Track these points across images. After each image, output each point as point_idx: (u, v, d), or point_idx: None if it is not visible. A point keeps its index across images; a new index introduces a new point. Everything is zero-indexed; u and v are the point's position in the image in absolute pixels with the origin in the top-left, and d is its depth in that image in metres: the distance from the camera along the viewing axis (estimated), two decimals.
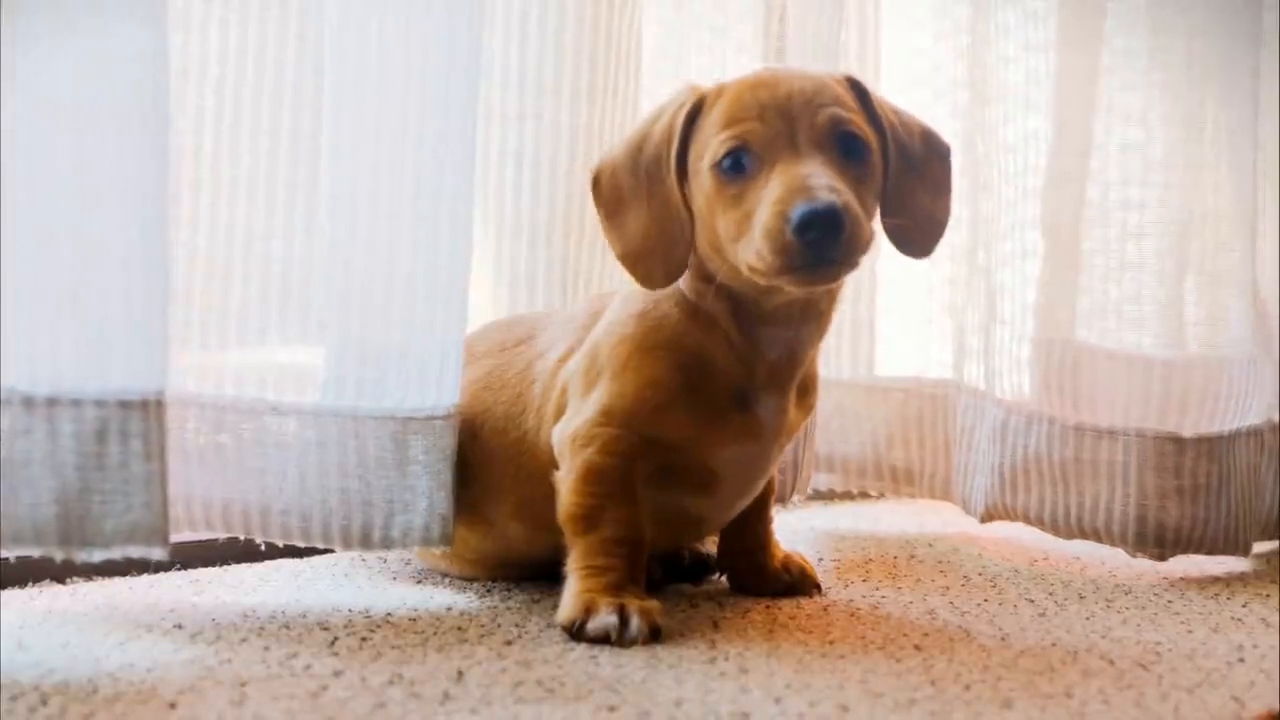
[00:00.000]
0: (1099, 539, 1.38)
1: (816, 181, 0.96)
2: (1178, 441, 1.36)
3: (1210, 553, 1.37)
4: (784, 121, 1.00)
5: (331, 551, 1.26)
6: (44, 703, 0.83)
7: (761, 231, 0.97)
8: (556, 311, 1.25)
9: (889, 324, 1.62)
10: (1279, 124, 1.49)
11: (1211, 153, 1.43)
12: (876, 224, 1.05)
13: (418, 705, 0.85)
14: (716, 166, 1.01)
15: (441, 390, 1.11)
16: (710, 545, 1.26)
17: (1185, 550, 1.36)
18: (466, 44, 1.10)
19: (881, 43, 1.57)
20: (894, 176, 1.06)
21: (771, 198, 0.97)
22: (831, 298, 1.09)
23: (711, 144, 1.02)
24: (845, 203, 0.96)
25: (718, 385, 1.07)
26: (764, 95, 1.02)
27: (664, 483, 1.09)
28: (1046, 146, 1.44)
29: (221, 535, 1.12)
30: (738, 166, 1.01)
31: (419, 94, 1.09)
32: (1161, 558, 1.37)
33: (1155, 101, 1.43)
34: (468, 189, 1.11)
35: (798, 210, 0.95)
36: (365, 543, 1.11)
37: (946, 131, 1.51)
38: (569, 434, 1.07)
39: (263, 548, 1.18)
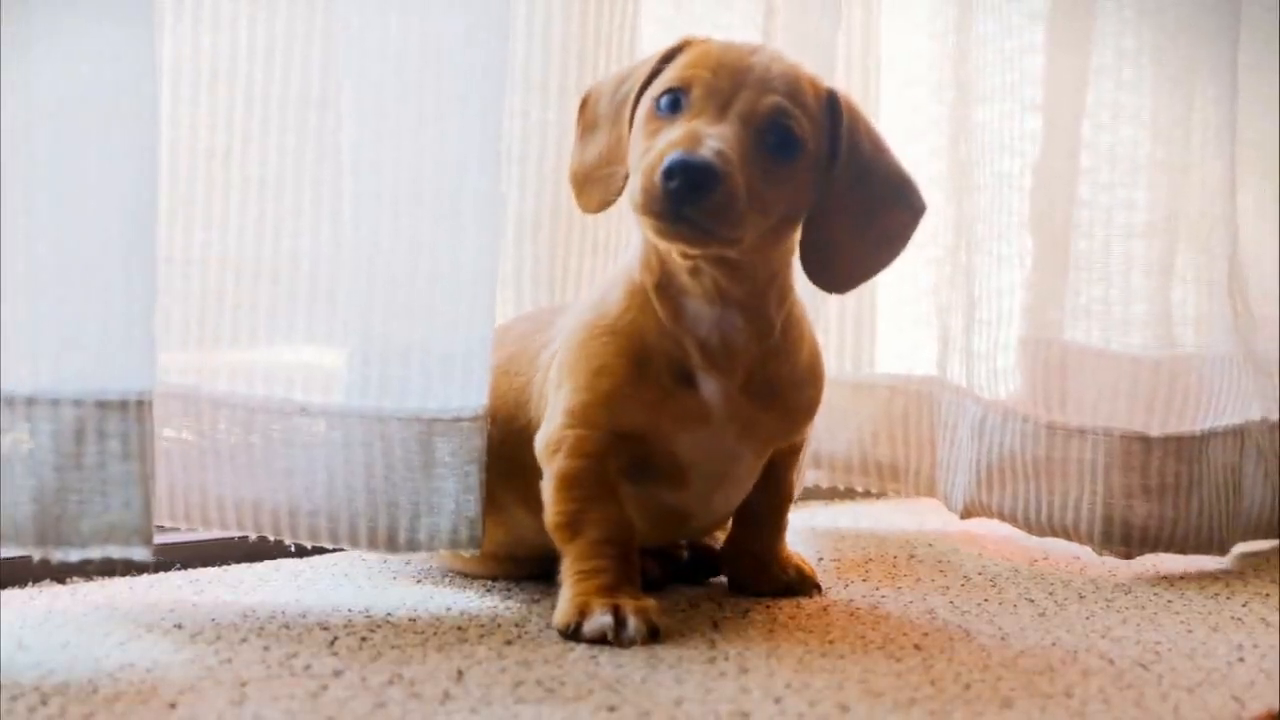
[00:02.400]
0: (1068, 537, 1.39)
1: (708, 142, 0.97)
2: (1145, 441, 1.36)
3: (1182, 552, 1.37)
4: (730, 86, 1.01)
5: (335, 551, 1.26)
6: (44, 703, 0.83)
7: (642, 167, 0.98)
8: (575, 303, 1.25)
9: (883, 323, 1.62)
10: (1279, 124, 1.49)
11: (1197, 153, 1.44)
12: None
13: (418, 705, 0.85)
14: (655, 100, 1.03)
15: (468, 391, 1.10)
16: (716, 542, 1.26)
17: (1153, 549, 1.36)
18: (488, 41, 1.09)
19: (880, 44, 1.56)
20: (835, 199, 1.05)
21: (664, 140, 0.99)
22: (749, 288, 1.06)
23: (660, 80, 1.04)
24: (725, 171, 0.96)
25: (658, 363, 1.06)
26: (731, 56, 1.03)
27: (638, 477, 1.09)
28: (1037, 146, 1.44)
29: (253, 535, 1.11)
30: (674, 106, 1.02)
31: (439, 92, 1.08)
32: (1128, 556, 1.36)
33: (1144, 101, 1.43)
34: (493, 187, 1.11)
35: (671, 156, 0.96)
36: (392, 545, 1.10)
37: (941, 132, 1.53)
38: (544, 441, 1.08)
39: (292, 547, 1.17)
